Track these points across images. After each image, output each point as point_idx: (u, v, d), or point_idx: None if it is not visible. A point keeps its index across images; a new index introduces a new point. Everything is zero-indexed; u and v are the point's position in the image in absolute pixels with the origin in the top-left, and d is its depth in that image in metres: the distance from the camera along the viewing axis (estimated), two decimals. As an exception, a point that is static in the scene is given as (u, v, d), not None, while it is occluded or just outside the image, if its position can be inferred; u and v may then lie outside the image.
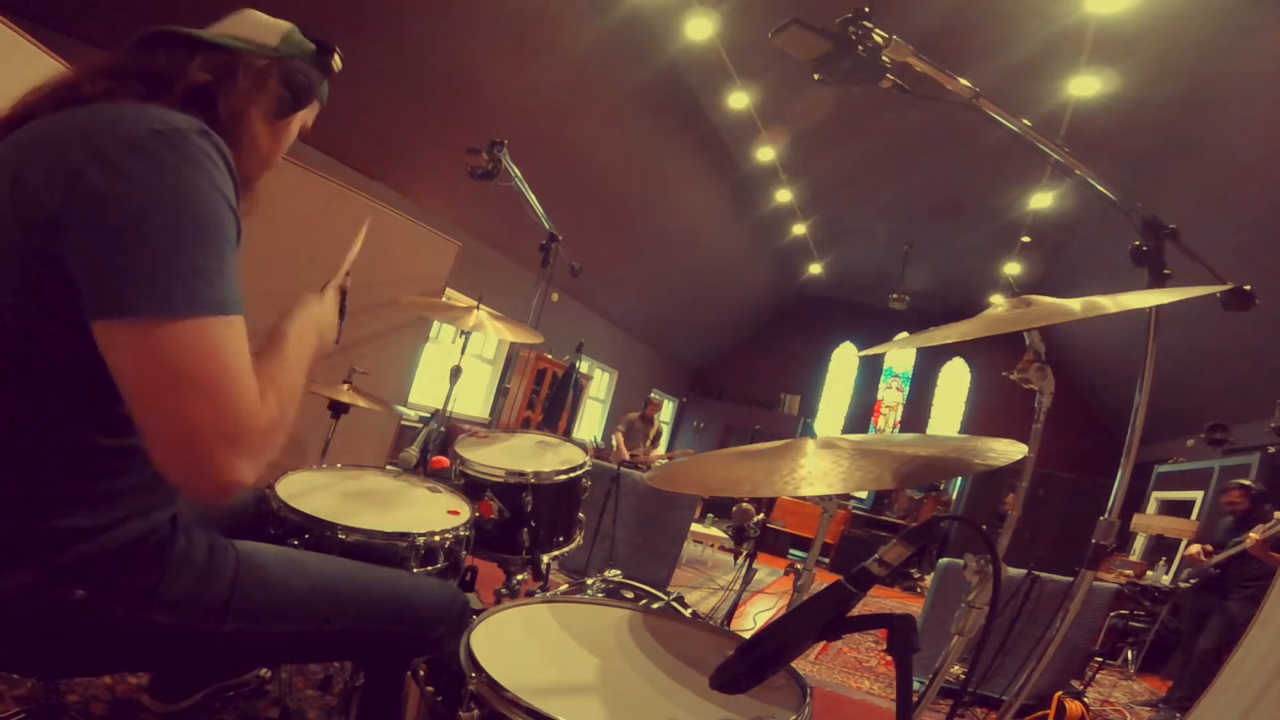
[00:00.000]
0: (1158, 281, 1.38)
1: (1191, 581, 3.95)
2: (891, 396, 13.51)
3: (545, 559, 1.87)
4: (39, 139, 0.76)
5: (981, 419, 12.29)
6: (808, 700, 0.85)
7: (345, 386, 2.19)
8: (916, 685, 0.67)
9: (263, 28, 0.96)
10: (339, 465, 1.73)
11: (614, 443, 7.01)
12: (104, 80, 0.82)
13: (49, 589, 0.75)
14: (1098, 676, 4.06)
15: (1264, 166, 4.90)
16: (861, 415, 13.37)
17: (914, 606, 4.84)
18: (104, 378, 0.70)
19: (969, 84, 1.38)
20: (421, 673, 0.90)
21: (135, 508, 0.82)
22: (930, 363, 13.10)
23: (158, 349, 0.67)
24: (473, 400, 8.52)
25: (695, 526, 5.60)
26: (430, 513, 1.51)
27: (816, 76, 1.36)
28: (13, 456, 0.74)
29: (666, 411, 13.73)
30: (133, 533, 0.81)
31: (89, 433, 0.77)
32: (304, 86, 0.98)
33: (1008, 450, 0.84)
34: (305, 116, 1.05)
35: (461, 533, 1.43)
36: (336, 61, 1.04)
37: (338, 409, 2.23)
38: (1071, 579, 1.42)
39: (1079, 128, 5.77)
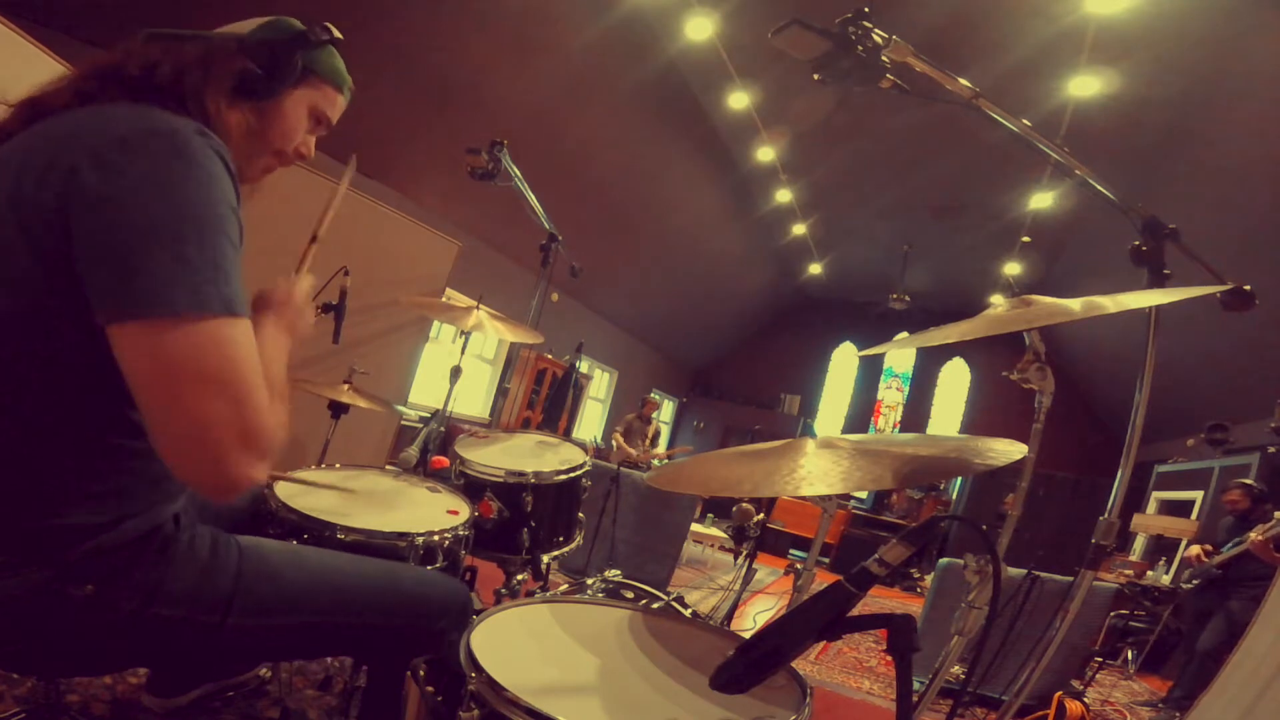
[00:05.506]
0: (1158, 281, 1.37)
1: (1194, 582, 3.95)
2: (891, 396, 13.50)
3: (545, 559, 1.87)
4: (33, 144, 0.76)
5: (981, 419, 12.29)
6: (808, 700, 0.85)
7: (345, 386, 2.19)
8: (916, 685, 0.67)
9: (244, 25, 0.93)
10: (338, 465, 1.73)
11: (614, 444, 7.01)
12: (70, 85, 0.82)
13: (57, 585, 0.76)
14: (1098, 676, 4.06)
15: (1264, 166, 4.89)
16: (861, 415, 13.37)
17: (914, 606, 4.84)
18: (109, 376, 0.70)
19: (969, 84, 1.37)
20: (421, 673, 0.91)
21: (140, 504, 0.83)
22: (930, 363, 13.10)
23: (170, 349, 0.67)
24: (473, 400, 8.52)
25: (695, 526, 5.59)
26: (430, 513, 1.50)
27: (816, 76, 1.36)
28: (20, 455, 0.75)
29: (666, 412, 13.73)
30: (138, 529, 0.82)
31: (95, 431, 0.78)
32: (270, 58, 0.90)
33: (1008, 450, 0.84)
34: (313, 99, 0.97)
35: (461, 532, 1.42)
36: (332, 33, 0.97)
37: (337, 409, 2.22)
38: (1071, 579, 1.42)
39: (1079, 128, 5.77)
